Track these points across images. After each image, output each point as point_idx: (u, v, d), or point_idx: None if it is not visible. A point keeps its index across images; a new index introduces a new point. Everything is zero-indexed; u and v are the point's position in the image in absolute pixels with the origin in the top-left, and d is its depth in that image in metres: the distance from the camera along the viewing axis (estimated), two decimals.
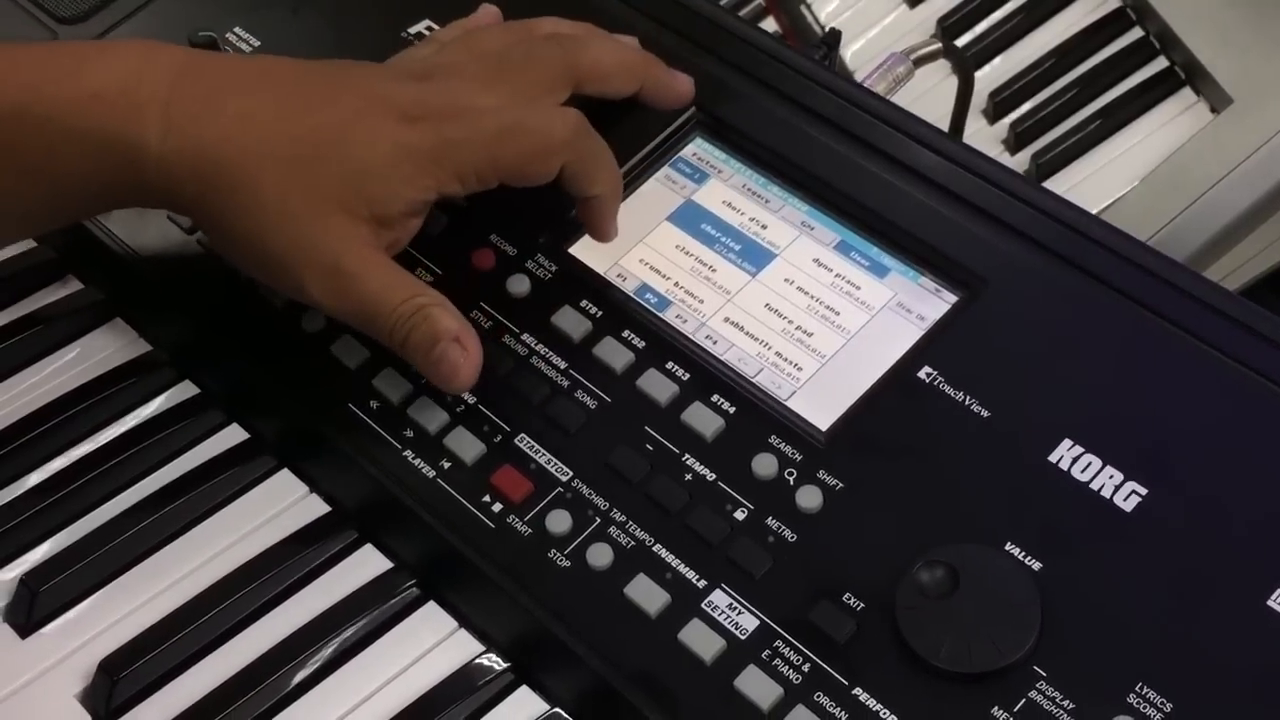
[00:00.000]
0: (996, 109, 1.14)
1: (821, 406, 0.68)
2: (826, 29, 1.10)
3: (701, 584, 0.65)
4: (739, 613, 0.64)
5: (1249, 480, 0.63)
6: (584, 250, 0.75)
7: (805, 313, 0.71)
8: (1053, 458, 0.65)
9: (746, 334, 0.71)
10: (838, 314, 0.71)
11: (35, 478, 0.74)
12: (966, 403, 0.67)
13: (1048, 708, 0.59)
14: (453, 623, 0.69)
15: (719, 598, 0.64)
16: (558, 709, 0.66)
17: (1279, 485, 0.63)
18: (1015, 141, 1.12)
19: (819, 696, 0.61)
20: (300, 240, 0.68)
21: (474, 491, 0.69)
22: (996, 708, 0.59)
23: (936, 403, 0.67)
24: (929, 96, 1.09)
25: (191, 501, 0.72)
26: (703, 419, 0.68)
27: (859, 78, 0.95)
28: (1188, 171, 1.05)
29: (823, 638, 0.62)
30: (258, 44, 0.84)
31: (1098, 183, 1.08)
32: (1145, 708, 0.58)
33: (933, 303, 0.71)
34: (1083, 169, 1.09)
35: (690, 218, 0.75)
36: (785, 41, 1.12)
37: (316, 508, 0.73)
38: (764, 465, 0.67)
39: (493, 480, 0.69)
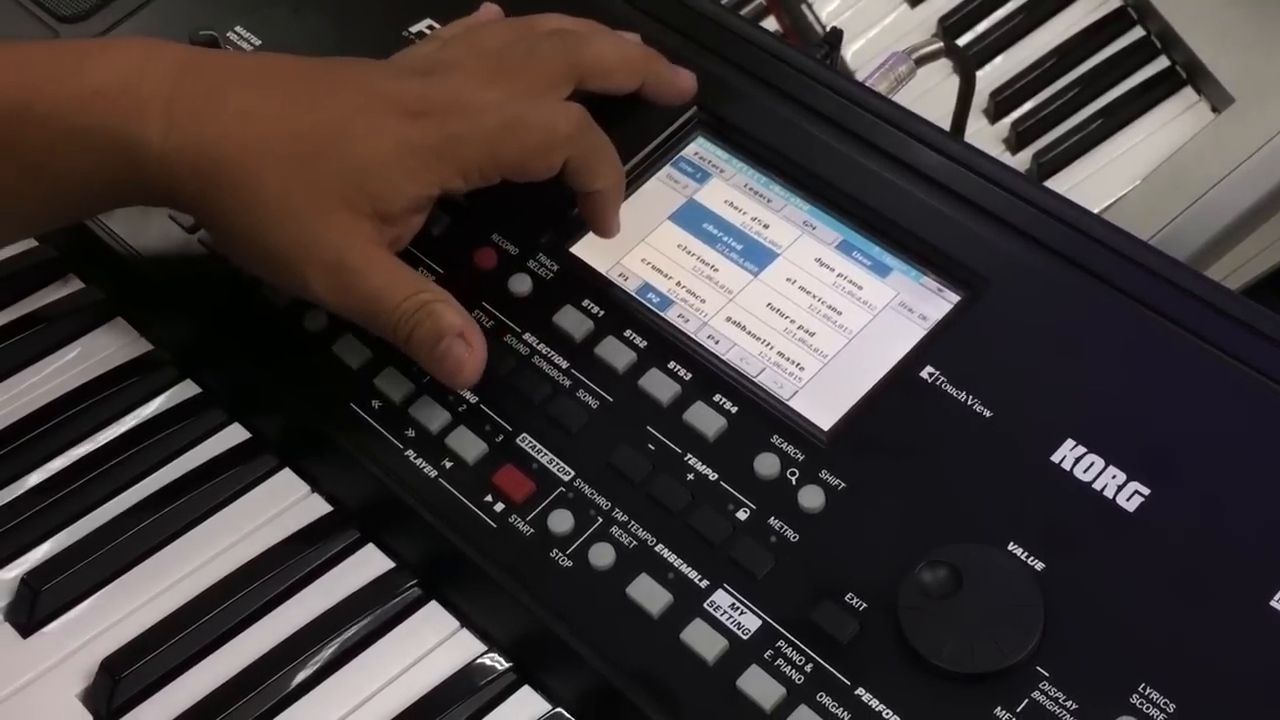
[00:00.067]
0: (998, 108, 1.14)
1: (823, 406, 0.68)
2: (828, 28, 1.10)
3: (704, 584, 0.65)
4: (741, 613, 0.64)
5: (1252, 480, 0.63)
6: (586, 249, 0.75)
7: (807, 312, 0.71)
8: (1055, 458, 0.64)
9: (748, 333, 0.71)
10: (840, 314, 0.71)
11: (36, 477, 0.74)
12: (969, 403, 0.66)
13: (1050, 708, 0.59)
14: (454, 622, 0.69)
15: (721, 598, 0.64)
16: (560, 709, 0.66)
17: None
18: (1016, 141, 1.12)
19: (821, 697, 0.61)
20: (302, 237, 0.67)
21: (476, 491, 0.69)
22: (999, 708, 0.59)
23: (939, 403, 0.67)
24: (930, 96, 1.09)
25: (193, 501, 0.72)
26: (705, 419, 0.68)
27: (860, 77, 0.95)
28: (1189, 171, 1.05)
29: (825, 638, 0.62)
30: (259, 43, 0.84)
31: (1099, 182, 1.08)
32: (1148, 708, 0.58)
33: (935, 302, 0.70)
34: (1084, 168, 1.09)
35: (692, 217, 0.75)
36: (786, 41, 1.12)
37: (318, 507, 0.73)
38: (766, 465, 0.67)
39: (494, 480, 0.69)
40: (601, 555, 0.66)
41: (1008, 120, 1.13)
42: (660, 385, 0.69)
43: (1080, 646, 0.60)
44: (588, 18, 0.77)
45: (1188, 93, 1.10)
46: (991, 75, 1.15)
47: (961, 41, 1.16)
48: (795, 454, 0.67)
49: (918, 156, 0.74)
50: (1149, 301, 0.68)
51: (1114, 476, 0.64)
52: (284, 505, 0.73)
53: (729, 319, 0.72)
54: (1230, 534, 0.62)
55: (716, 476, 0.67)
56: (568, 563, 0.66)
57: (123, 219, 0.80)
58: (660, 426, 0.69)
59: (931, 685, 0.60)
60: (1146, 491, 0.63)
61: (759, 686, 0.62)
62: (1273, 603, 0.60)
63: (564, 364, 0.71)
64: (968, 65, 1.01)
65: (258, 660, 0.67)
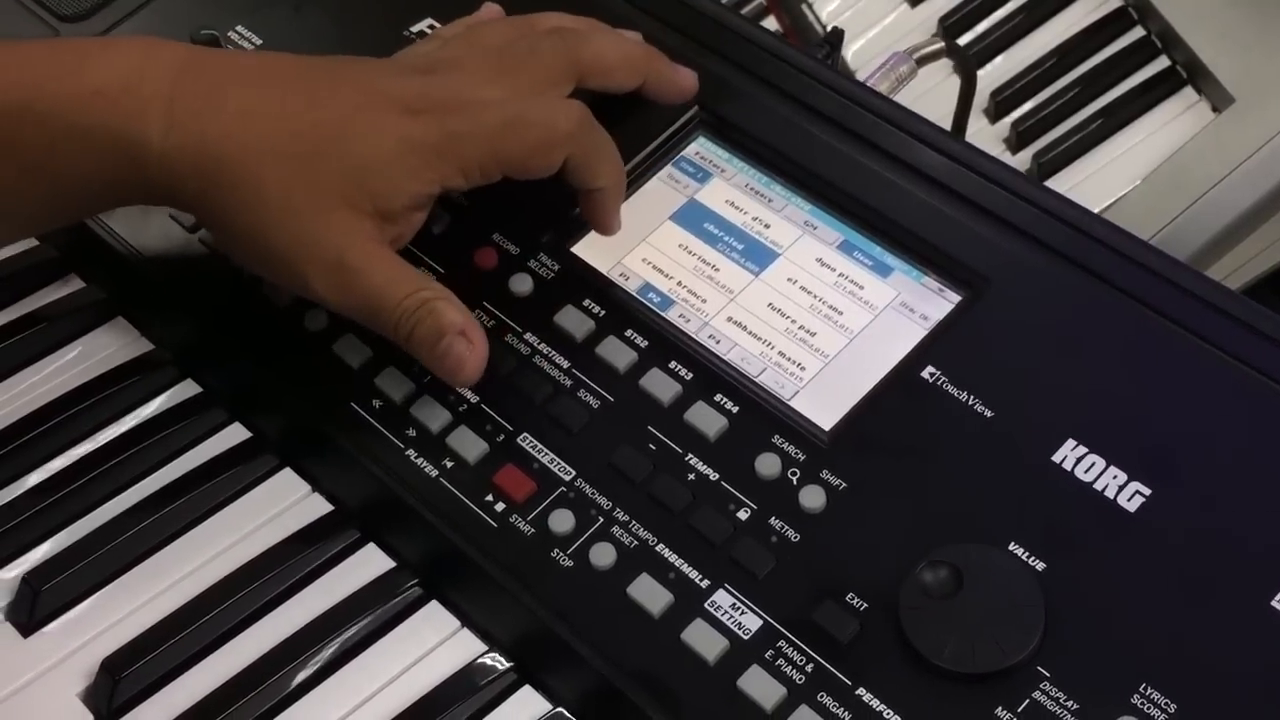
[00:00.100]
0: (998, 108, 1.14)
1: (824, 406, 0.68)
2: (828, 28, 1.10)
3: (704, 584, 0.65)
4: (742, 613, 0.64)
5: (1253, 480, 0.63)
6: (587, 249, 0.75)
7: (808, 312, 0.71)
8: (1056, 458, 0.64)
9: (749, 333, 0.71)
10: (841, 313, 0.71)
11: (37, 477, 0.74)
12: (970, 403, 0.66)
13: (1051, 708, 0.59)
14: (455, 622, 0.69)
15: (722, 598, 0.64)
16: (561, 709, 0.66)
17: None
18: (1017, 141, 1.12)
19: (822, 697, 0.61)
20: (303, 235, 0.67)
21: (476, 491, 0.69)
22: (1000, 708, 0.59)
23: (940, 403, 0.67)
24: (931, 96, 1.09)
25: (193, 501, 0.72)
26: (706, 419, 0.68)
27: (861, 77, 0.95)
28: (1189, 171, 1.05)
29: (826, 638, 0.62)
30: (260, 42, 0.84)
31: (1099, 182, 1.08)
32: (1149, 708, 0.58)
33: (936, 302, 0.70)
34: (1084, 168, 1.09)
35: (693, 217, 0.75)
36: (787, 40, 1.12)
37: (319, 507, 0.73)
38: (767, 465, 0.67)
39: (495, 479, 0.69)
40: (602, 555, 0.66)
41: (1008, 120, 1.13)
42: (661, 385, 0.69)
43: (1081, 646, 0.60)
44: (588, 16, 0.77)
45: (1188, 92, 1.10)
46: (992, 75, 1.15)
47: (962, 41, 1.16)
48: (796, 454, 0.67)
49: (919, 156, 0.74)
50: (1149, 301, 0.68)
51: (1115, 476, 0.64)
52: (284, 505, 0.73)
53: (730, 319, 0.72)
54: (1231, 534, 0.62)
55: (717, 476, 0.67)
56: (569, 562, 0.66)
57: (123, 218, 0.80)
58: (661, 426, 0.69)
59: (932, 685, 0.60)
60: (1147, 492, 0.63)
61: (760, 686, 0.62)
62: (1273, 603, 0.60)
63: (565, 364, 0.71)
64: (968, 65, 1.01)
65: (258, 660, 0.67)
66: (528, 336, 0.72)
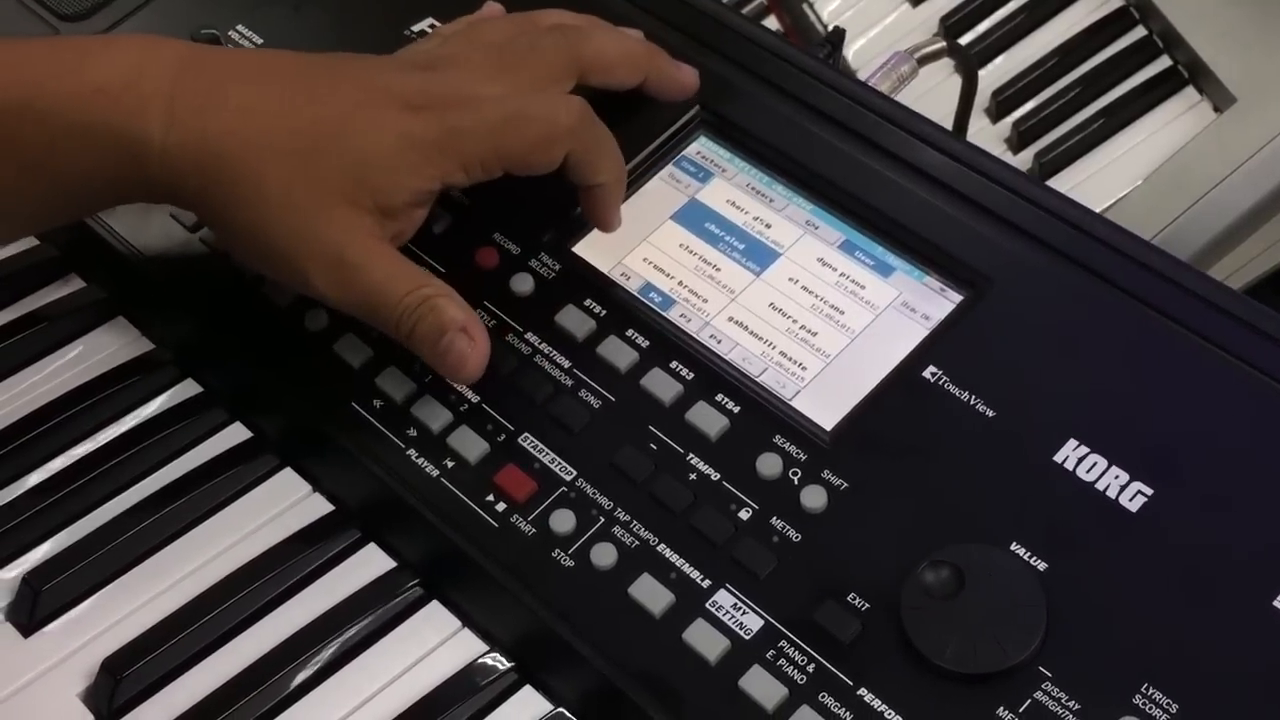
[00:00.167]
0: (999, 108, 1.14)
1: (826, 406, 0.68)
2: (829, 27, 1.10)
3: (706, 584, 0.65)
4: (743, 613, 0.64)
5: (1254, 480, 0.63)
6: (588, 249, 0.74)
7: (809, 312, 0.71)
8: (1058, 458, 0.64)
9: (751, 333, 0.71)
10: (842, 313, 0.71)
11: (37, 476, 0.74)
12: (971, 402, 0.66)
13: (1053, 708, 0.59)
14: (456, 622, 0.69)
15: (723, 598, 0.64)
16: (561, 709, 0.66)
17: None
18: (1018, 140, 1.12)
19: (824, 697, 0.61)
20: (304, 232, 0.67)
21: (477, 491, 0.68)
22: (1002, 708, 0.59)
23: (941, 402, 0.67)
24: (932, 95, 1.09)
25: (194, 500, 0.72)
26: (707, 418, 0.68)
27: (862, 76, 0.95)
28: (1191, 171, 1.05)
29: (827, 638, 0.62)
30: (260, 42, 0.84)
31: (1100, 182, 1.08)
32: (1151, 709, 0.58)
33: (937, 302, 0.70)
34: (1086, 168, 1.09)
35: (694, 216, 0.75)
36: (788, 40, 1.12)
37: (319, 507, 0.73)
38: (768, 465, 0.66)
39: (496, 479, 0.68)
40: (603, 555, 0.66)
41: (1009, 120, 1.13)
42: (662, 385, 0.69)
43: (1083, 647, 0.60)
44: (590, 15, 0.77)
45: (1189, 92, 1.10)
46: (993, 75, 1.15)
47: (963, 41, 1.16)
48: (797, 454, 0.67)
49: (920, 156, 0.74)
50: (1151, 301, 0.68)
51: (1117, 476, 0.64)
52: (285, 505, 0.73)
53: (731, 319, 0.72)
54: (1233, 534, 0.62)
55: (719, 476, 0.67)
56: (570, 562, 0.66)
57: (124, 218, 0.80)
58: (662, 426, 0.69)
59: (934, 685, 0.60)
60: (1149, 492, 0.63)
61: (761, 686, 0.62)
62: (1275, 603, 0.60)
63: (566, 363, 0.71)
64: (970, 64, 1.01)
65: (259, 660, 0.67)
66: (529, 336, 0.72)
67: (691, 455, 0.68)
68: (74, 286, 0.82)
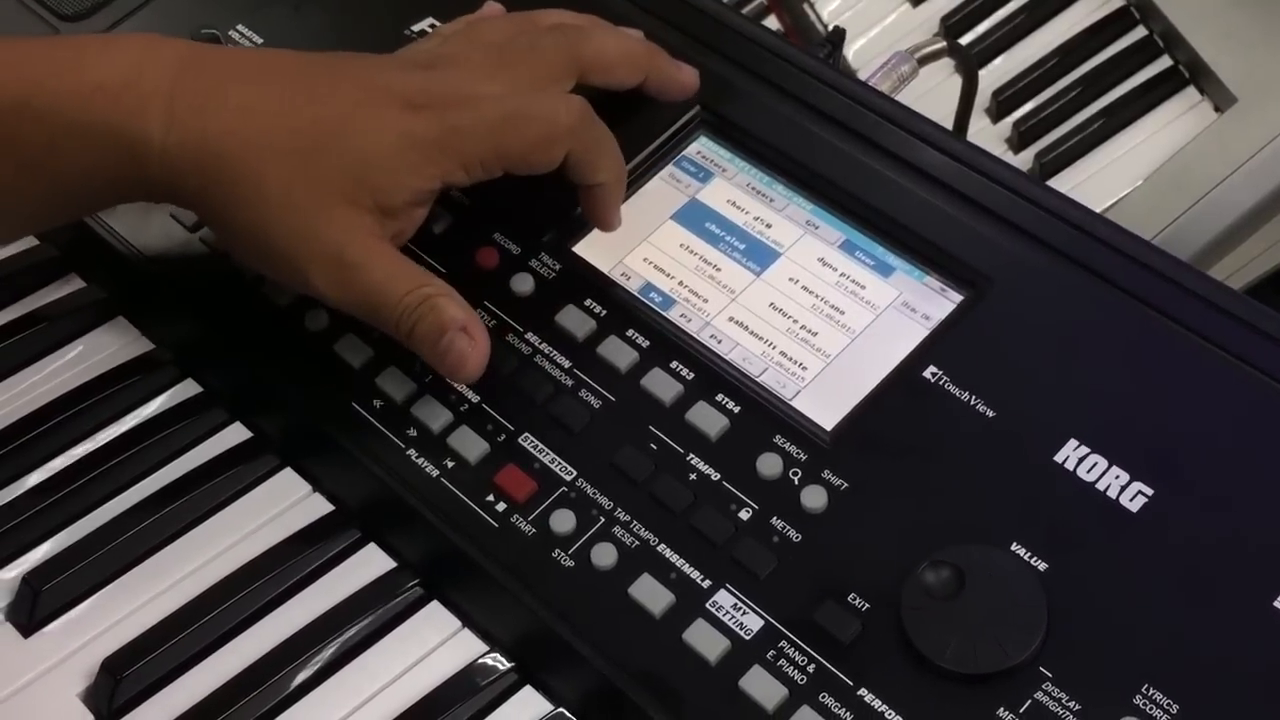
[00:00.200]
0: (1000, 108, 1.14)
1: (826, 406, 0.68)
2: (829, 27, 1.10)
3: (706, 584, 0.65)
4: (743, 613, 0.64)
5: (1255, 480, 0.63)
6: (588, 249, 0.74)
7: (810, 312, 0.71)
8: (1058, 458, 0.64)
9: (751, 333, 0.71)
10: (842, 313, 0.71)
11: (37, 476, 0.74)
12: (972, 402, 0.66)
13: (1053, 709, 0.59)
14: (456, 622, 0.68)
15: (723, 598, 0.64)
16: (562, 709, 0.65)
17: None
18: (1019, 140, 1.12)
19: (824, 697, 0.61)
20: (303, 231, 0.67)
21: (477, 491, 0.68)
22: (1002, 708, 0.59)
23: (942, 402, 0.67)
24: (932, 95, 1.09)
25: (194, 500, 0.72)
26: (707, 418, 0.68)
27: (863, 76, 0.95)
28: (1191, 171, 1.05)
29: (828, 638, 0.62)
30: (260, 42, 0.84)
31: (1101, 182, 1.08)
32: (1151, 709, 0.58)
33: (938, 302, 0.70)
34: (1086, 168, 1.09)
35: (694, 216, 0.75)
36: (788, 40, 1.12)
37: (319, 507, 0.73)
38: (769, 465, 0.66)
39: (496, 480, 0.68)
40: (603, 555, 0.66)
41: (1010, 120, 1.13)
42: (662, 385, 0.69)
43: (1083, 647, 0.60)
44: (590, 14, 0.77)
45: (1190, 92, 1.10)
46: (994, 74, 1.15)
47: (964, 41, 1.16)
48: (798, 454, 0.67)
49: (920, 156, 0.74)
50: (1152, 301, 0.68)
51: (1117, 477, 0.64)
52: (285, 505, 0.73)
53: (731, 319, 0.72)
54: (1233, 535, 0.61)
55: (719, 476, 0.67)
56: (570, 562, 0.66)
57: (124, 217, 0.80)
58: (662, 426, 0.68)
59: (934, 686, 0.60)
60: (1150, 492, 0.63)
61: (761, 687, 0.61)
62: (1276, 603, 0.60)
63: (566, 363, 0.71)
64: (971, 64, 1.01)
65: (259, 660, 0.67)
66: (529, 336, 0.72)
67: (691, 455, 0.68)
68: (74, 286, 0.82)
